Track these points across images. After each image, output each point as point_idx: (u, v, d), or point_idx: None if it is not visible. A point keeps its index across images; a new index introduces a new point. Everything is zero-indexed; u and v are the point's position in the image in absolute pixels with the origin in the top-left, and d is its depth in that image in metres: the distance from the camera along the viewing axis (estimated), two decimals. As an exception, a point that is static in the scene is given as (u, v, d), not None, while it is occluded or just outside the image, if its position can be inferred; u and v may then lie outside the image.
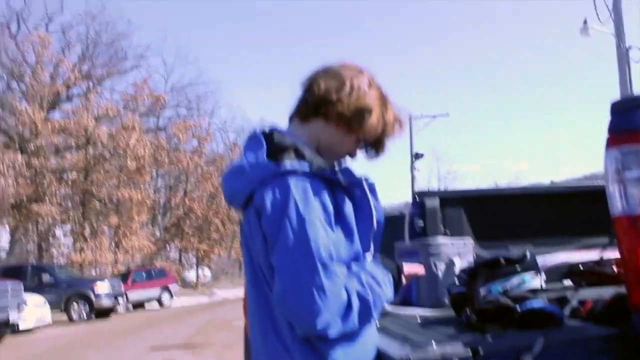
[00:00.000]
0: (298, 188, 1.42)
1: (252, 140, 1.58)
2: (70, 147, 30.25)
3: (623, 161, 1.56)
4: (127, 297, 22.33)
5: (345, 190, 1.51)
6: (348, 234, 1.48)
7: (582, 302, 1.96)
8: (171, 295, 26.57)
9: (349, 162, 1.70)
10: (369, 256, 1.56)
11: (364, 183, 1.55)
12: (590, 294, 2.16)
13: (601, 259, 3.08)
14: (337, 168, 1.57)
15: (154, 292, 25.50)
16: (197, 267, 37.65)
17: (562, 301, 1.94)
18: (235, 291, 38.47)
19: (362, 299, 1.41)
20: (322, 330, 1.36)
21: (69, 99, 34.48)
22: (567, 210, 3.80)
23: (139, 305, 24.98)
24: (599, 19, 16.50)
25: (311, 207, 1.40)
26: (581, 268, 3.06)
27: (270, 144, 1.53)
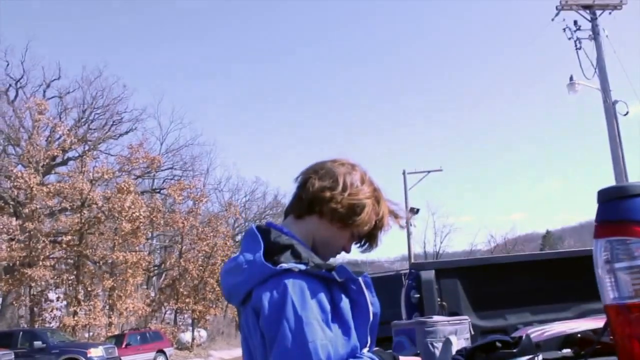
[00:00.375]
0: (295, 288, 1.45)
1: (250, 238, 1.61)
2: (65, 209, 30.21)
3: (612, 252, 1.60)
4: (121, 362, 21.89)
5: (342, 286, 1.54)
6: (345, 330, 1.51)
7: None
8: (167, 359, 26.09)
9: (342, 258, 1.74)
10: (365, 350, 1.58)
11: (360, 280, 1.58)
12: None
13: (599, 328, 3.10)
14: (333, 264, 1.61)
15: (149, 355, 25.08)
16: (192, 328, 37.05)
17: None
18: (231, 352, 37.88)
19: None
20: None
21: (64, 162, 34.74)
22: (563, 276, 3.83)
23: (133, 369, 24.52)
24: (584, 75, 16.95)
25: (308, 307, 1.43)
26: (579, 336, 3.07)
27: (267, 242, 1.57)
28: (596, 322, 3.18)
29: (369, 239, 1.73)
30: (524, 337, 2.13)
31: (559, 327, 3.15)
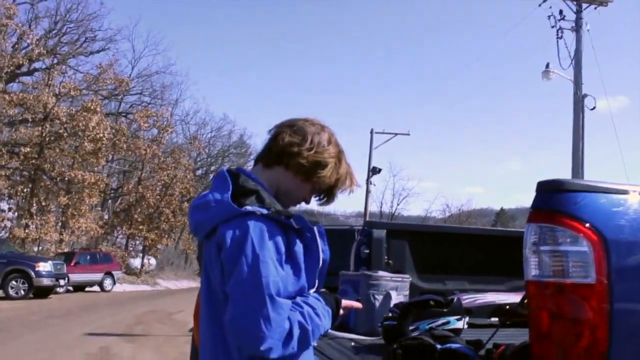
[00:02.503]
0: (256, 229, 1.64)
1: (220, 180, 1.80)
2: (26, 121, 29.59)
3: (540, 236, 1.83)
4: (68, 279, 22.02)
5: (298, 232, 1.74)
6: (296, 271, 1.71)
7: (496, 346, 2.23)
8: (114, 281, 26.32)
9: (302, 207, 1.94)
10: (312, 290, 1.80)
11: (315, 229, 1.78)
12: (506, 337, 2.44)
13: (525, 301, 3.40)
14: (292, 212, 1.80)
15: (97, 276, 25.26)
16: (143, 255, 37.27)
17: (480, 344, 2.20)
18: (178, 283, 38.33)
19: (302, 328, 1.64)
20: (265, 352, 1.58)
21: (30, 72, 33.85)
22: (502, 253, 4.10)
23: (80, 287, 24.69)
24: (560, 65, 17.25)
25: (266, 247, 1.63)
26: (507, 308, 3.36)
27: (236, 185, 1.75)
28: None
29: (327, 194, 1.94)
30: (455, 300, 2.38)
31: (490, 297, 3.44)
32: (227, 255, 1.63)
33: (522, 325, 3.11)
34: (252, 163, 1.91)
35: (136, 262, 36.83)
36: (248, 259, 1.59)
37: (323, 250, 1.78)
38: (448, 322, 2.28)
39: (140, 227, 35.72)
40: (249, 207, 1.67)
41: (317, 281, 1.81)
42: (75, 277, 23.60)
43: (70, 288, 23.77)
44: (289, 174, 1.83)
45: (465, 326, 2.42)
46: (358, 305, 1.97)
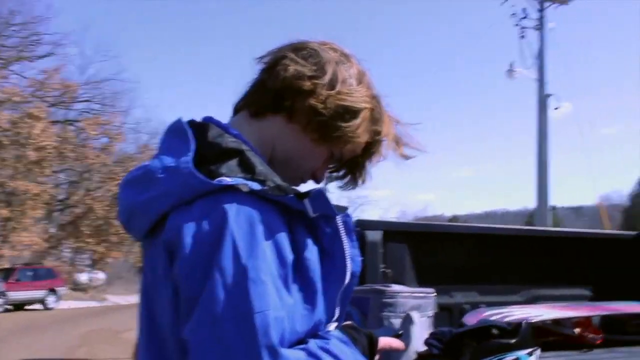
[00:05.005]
0: (240, 219, 0.88)
1: (173, 135, 1.01)
2: (-37, 128, 27.85)
3: None
4: (6, 296, 20.56)
5: (311, 226, 0.97)
6: (308, 296, 0.93)
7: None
8: (58, 298, 24.84)
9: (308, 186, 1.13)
10: (333, 325, 1.00)
11: (338, 220, 1.01)
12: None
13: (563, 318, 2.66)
14: (300, 190, 0.99)
15: (39, 293, 23.77)
16: (91, 270, 35.67)
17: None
18: (128, 298, 36.72)
19: None
20: None
21: (-32, 76, 31.97)
22: (515, 256, 3.39)
23: (20, 306, 23.16)
24: (523, 64, 16.95)
25: (260, 252, 0.86)
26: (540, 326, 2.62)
27: (202, 143, 0.97)
28: (559, 311, 2.74)
29: (353, 167, 1.17)
30: (523, 325, 1.60)
31: (518, 313, 2.68)
32: (185, 270, 0.87)
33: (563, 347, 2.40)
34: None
35: (83, 277, 35.23)
36: (227, 278, 0.84)
37: (352, 256, 1.02)
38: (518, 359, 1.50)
39: (88, 240, 34.11)
40: (226, 179, 0.91)
41: (338, 309, 1.02)
42: (15, 295, 22.15)
43: (10, 307, 22.22)
44: (293, 128, 1.08)
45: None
46: (399, 344, 1.18)
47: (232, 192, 0.88)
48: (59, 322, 18.45)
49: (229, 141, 0.97)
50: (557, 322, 2.71)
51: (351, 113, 1.06)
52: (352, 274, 1.02)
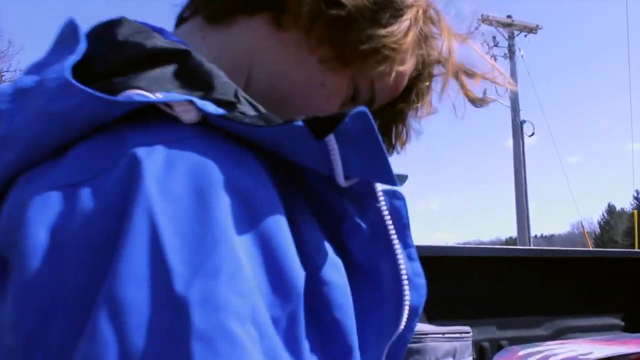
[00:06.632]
0: (174, 181, 0.36)
1: (59, 43, 0.46)
2: None
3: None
4: None
5: (326, 207, 0.47)
6: (336, 352, 0.42)
7: None
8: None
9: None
10: None
11: (384, 202, 0.50)
12: None
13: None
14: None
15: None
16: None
17: None
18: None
19: None
20: None
21: None
22: (536, 282, 2.88)
23: None
24: (496, 91, 16.84)
25: (222, 262, 0.34)
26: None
27: (105, 45, 0.45)
28: (609, 347, 2.22)
29: (389, 119, 0.67)
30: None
31: (562, 351, 2.15)
32: (20, 302, 0.34)
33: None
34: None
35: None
36: (130, 326, 0.31)
37: (410, 277, 0.51)
38: None
39: None
40: (140, 93, 0.39)
41: None
42: None
43: None
44: (285, 41, 0.56)
45: None
46: None
47: (156, 122, 0.39)
48: None
49: (159, 41, 0.45)
50: (610, 360, 2.18)
51: (391, 10, 0.55)
52: (411, 311, 0.50)
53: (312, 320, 0.38)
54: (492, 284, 2.81)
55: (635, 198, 46.43)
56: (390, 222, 0.48)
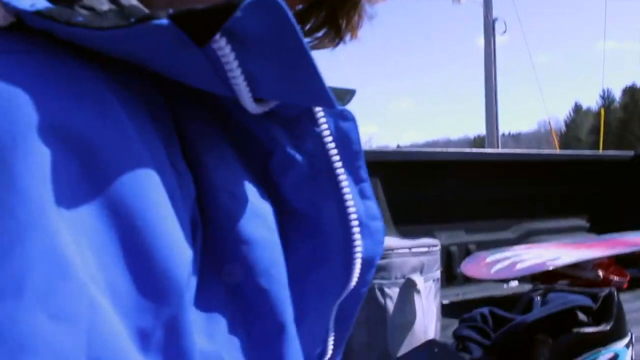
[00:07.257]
0: None
1: None
2: None
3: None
4: None
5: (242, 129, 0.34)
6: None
7: None
8: None
9: None
10: None
11: (325, 124, 0.36)
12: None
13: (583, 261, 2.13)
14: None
15: None
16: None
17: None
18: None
19: None
20: None
21: None
22: (503, 184, 2.85)
23: None
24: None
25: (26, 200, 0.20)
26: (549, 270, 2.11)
27: None
28: (576, 252, 2.22)
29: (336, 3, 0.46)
30: (613, 301, 0.99)
31: (528, 257, 2.14)
32: None
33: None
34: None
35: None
36: None
37: (362, 220, 0.37)
38: (617, 357, 0.92)
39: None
40: None
41: (333, 338, 0.39)
42: None
43: None
44: None
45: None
46: None
47: None
48: None
49: None
50: (576, 265, 2.19)
51: None
52: (365, 262, 0.39)
53: (228, 293, 0.29)
54: (459, 188, 2.77)
55: (602, 97, 46.95)
56: (335, 151, 0.37)
